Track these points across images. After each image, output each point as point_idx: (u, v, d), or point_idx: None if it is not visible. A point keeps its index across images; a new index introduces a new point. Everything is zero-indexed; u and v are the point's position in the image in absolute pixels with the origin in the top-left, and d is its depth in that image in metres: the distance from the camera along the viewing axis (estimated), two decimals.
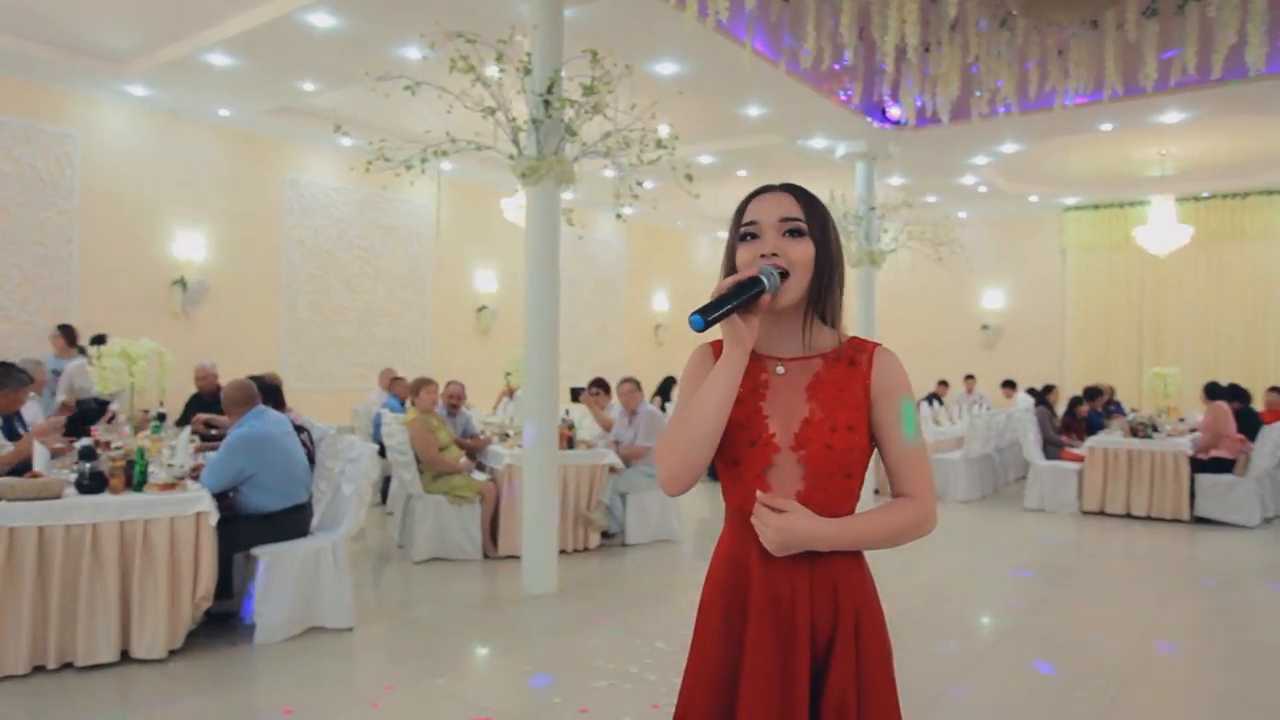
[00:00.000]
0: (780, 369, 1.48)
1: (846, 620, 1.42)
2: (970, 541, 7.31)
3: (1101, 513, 8.44)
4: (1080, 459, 8.76)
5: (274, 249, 9.73)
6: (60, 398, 7.17)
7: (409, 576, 5.75)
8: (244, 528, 4.38)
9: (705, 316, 1.34)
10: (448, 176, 8.59)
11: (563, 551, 6.07)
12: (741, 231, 1.47)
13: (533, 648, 4.36)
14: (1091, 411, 10.22)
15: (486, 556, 6.22)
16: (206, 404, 7.24)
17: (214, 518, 4.11)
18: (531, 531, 5.36)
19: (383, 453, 6.37)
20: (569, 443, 6.54)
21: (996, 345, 14.23)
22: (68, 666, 3.83)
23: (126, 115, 8.57)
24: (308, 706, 3.53)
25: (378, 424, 7.95)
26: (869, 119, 9.14)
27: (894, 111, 9.35)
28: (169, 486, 4.10)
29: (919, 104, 8.10)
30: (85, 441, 4.33)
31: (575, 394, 7.78)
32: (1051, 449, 9.13)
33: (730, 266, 1.48)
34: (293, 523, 4.52)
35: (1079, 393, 10.79)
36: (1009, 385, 11.99)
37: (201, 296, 9.02)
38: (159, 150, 8.80)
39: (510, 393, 9.78)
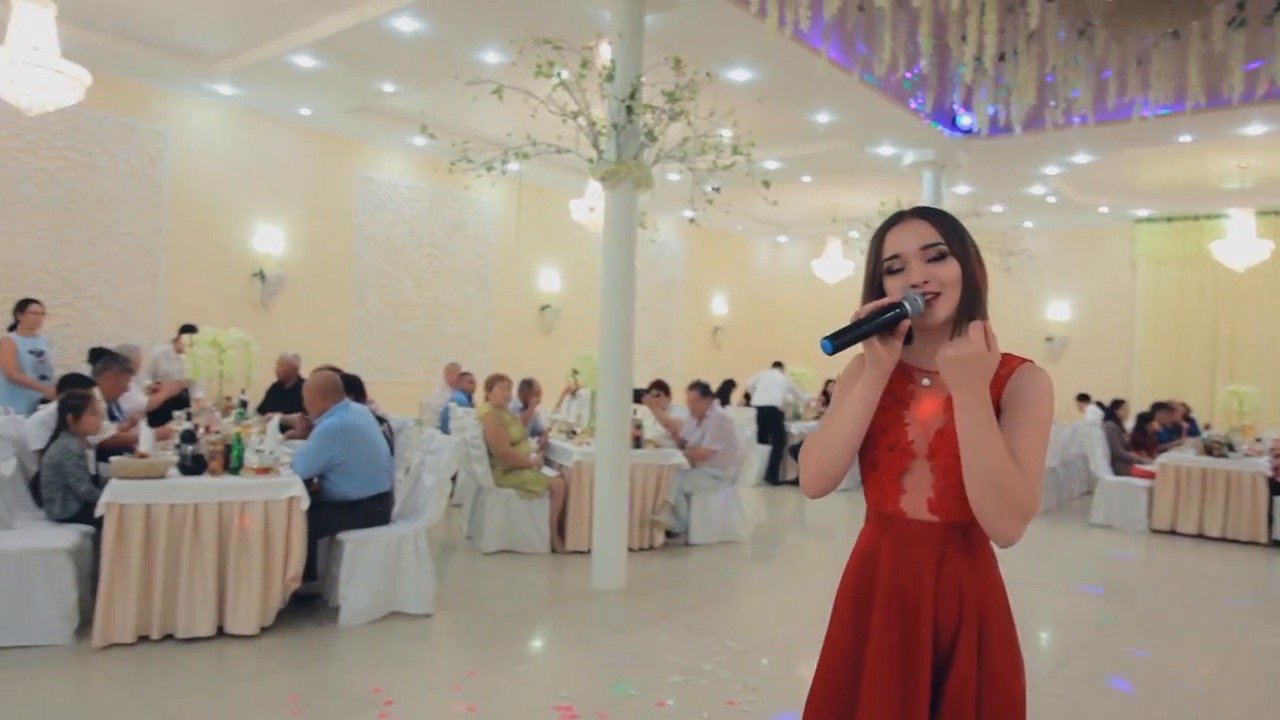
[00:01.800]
0: (926, 381, 1.54)
1: (970, 623, 1.45)
2: (1036, 555, 7.21)
3: (1173, 532, 8.26)
4: (1150, 475, 8.58)
5: (347, 244, 10.01)
6: (146, 382, 7.47)
7: (479, 567, 5.89)
8: (330, 513, 4.55)
9: (834, 342, 1.40)
10: (514, 177, 8.77)
11: (628, 549, 6.15)
12: (886, 266, 1.53)
13: (606, 641, 4.45)
14: (1161, 428, 10.00)
15: (553, 551, 6.34)
16: (286, 393, 7.50)
17: (305, 502, 4.28)
18: (602, 528, 5.46)
19: None
20: (636, 442, 6.62)
21: (1061, 357, 13.97)
22: (169, 638, 4.03)
23: (213, 113, 8.91)
24: (394, 686, 3.66)
25: (444, 417, 8.15)
26: (939, 127, 9.08)
27: (964, 120, 9.26)
28: (264, 471, 4.29)
29: (991, 113, 8.03)
30: (186, 425, 4.54)
31: (637, 395, 7.84)
32: (1120, 465, 8.96)
33: (871, 297, 1.55)
34: (376, 510, 4.68)
35: (1147, 408, 10.55)
36: (1083, 399, 11.73)
37: (278, 289, 9.32)
38: (241, 147, 9.13)
39: (573, 390, 9.90)
